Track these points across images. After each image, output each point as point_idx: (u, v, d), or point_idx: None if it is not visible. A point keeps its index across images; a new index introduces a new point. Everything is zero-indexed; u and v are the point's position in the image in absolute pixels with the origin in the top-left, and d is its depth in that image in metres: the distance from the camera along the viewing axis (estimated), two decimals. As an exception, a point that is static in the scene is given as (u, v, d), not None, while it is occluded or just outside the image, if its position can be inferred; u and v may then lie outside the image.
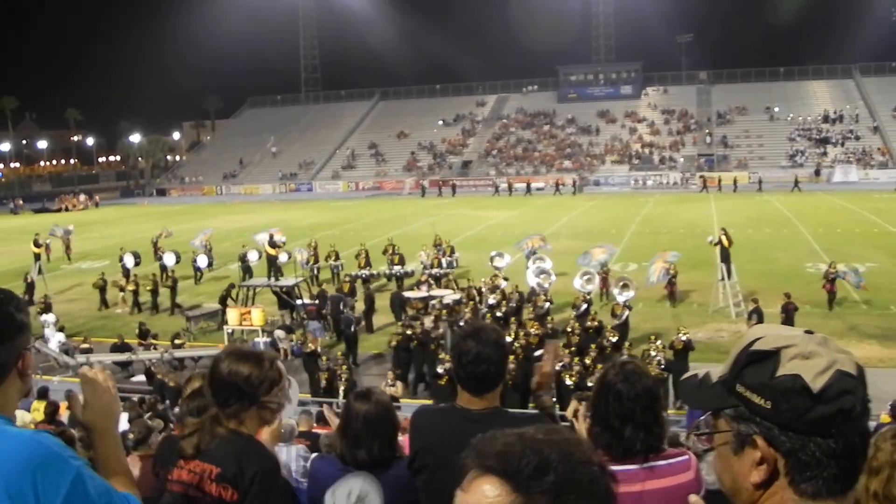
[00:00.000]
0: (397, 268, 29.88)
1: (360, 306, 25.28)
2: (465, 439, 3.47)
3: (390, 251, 30.95)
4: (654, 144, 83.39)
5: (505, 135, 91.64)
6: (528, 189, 73.22)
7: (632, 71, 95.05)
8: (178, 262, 32.85)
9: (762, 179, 67.76)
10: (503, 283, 25.21)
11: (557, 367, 17.40)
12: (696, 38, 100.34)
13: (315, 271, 31.11)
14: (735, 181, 68.63)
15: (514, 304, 23.18)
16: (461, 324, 19.99)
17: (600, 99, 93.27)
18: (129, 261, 31.93)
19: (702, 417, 1.69)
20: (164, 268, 32.81)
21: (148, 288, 28.91)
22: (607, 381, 3.32)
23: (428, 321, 21.19)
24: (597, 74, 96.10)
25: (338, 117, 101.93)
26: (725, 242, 26.74)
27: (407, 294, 25.60)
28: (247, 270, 31.65)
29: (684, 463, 3.25)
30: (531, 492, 1.34)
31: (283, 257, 32.34)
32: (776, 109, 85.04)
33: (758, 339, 1.61)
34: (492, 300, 23.52)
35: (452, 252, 31.60)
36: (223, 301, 25.90)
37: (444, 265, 30.24)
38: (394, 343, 20.40)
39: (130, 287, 29.09)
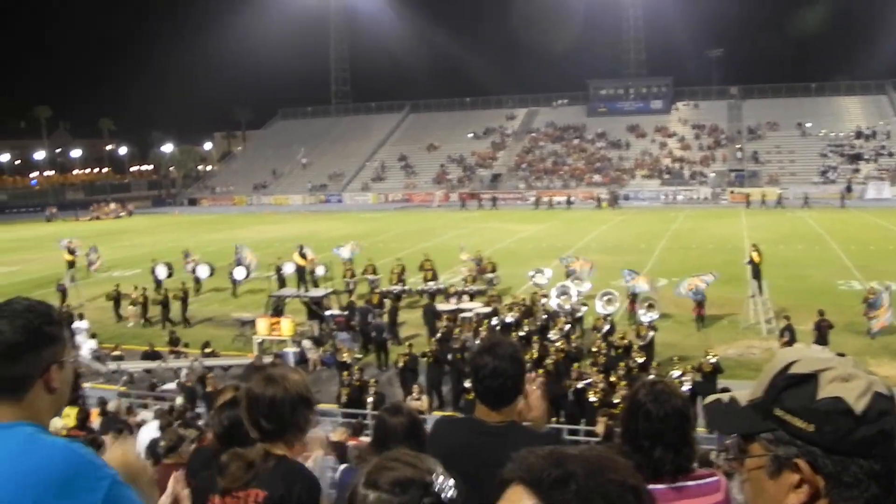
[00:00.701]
0: (430, 284, 29.74)
1: (384, 319, 25.34)
2: (478, 451, 3.54)
3: (426, 266, 30.95)
4: (685, 159, 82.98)
5: (535, 148, 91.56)
6: (569, 202, 73.19)
7: (662, 86, 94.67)
8: (212, 274, 33.11)
9: (783, 196, 67.32)
10: (543, 301, 24.74)
11: (580, 385, 17.35)
12: (727, 53, 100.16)
13: (351, 285, 30.96)
14: (763, 197, 67.98)
15: (540, 323, 22.59)
16: (477, 340, 20.11)
17: (630, 113, 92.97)
18: (161, 272, 32.22)
19: (729, 440, 1.70)
20: (197, 280, 33.08)
21: (157, 300, 28.96)
22: (637, 400, 3.33)
23: (464, 334, 21.14)
24: (627, 89, 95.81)
25: (368, 129, 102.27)
26: (756, 258, 26.53)
27: (439, 307, 25.62)
28: (281, 281, 31.81)
29: (714, 484, 3.24)
30: (554, 500, 1.37)
31: (319, 270, 32.39)
32: (808, 125, 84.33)
33: (794, 362, 1.61)
34: (509, 318, 23.02)
35: (494, 269, 31.27)
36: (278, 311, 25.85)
37: (486, 281, 30.03)
38: (427, 356, 20.30)
39: (139, 299, 28.93)
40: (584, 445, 1.53)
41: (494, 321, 22.70)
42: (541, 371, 17.39)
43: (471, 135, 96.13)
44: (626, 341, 20.33)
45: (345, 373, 19.56)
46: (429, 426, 4.21)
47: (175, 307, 28.79)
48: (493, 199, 76.23)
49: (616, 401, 15.24)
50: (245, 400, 3.33)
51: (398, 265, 31.35)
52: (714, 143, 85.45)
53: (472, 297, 27.40)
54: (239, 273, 32.85)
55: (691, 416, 3.40)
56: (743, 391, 1.72)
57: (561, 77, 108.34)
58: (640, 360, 19.04)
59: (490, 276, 30.52)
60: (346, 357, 20.60)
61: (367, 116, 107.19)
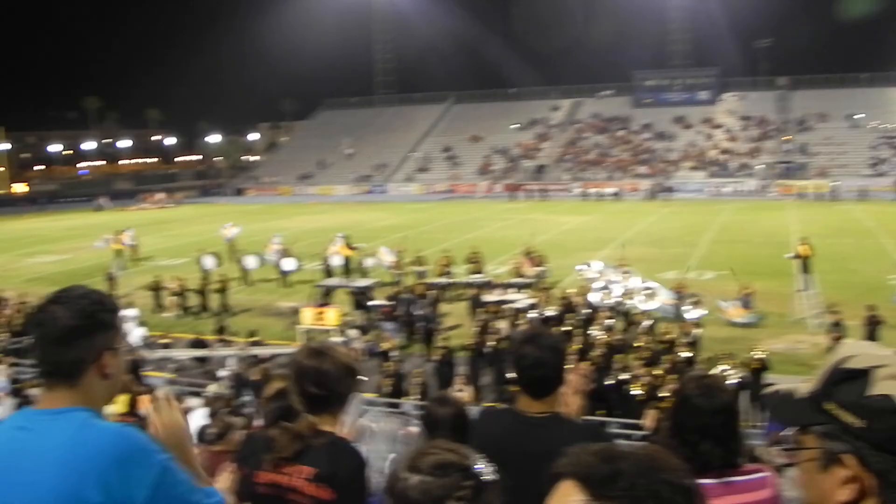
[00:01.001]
0: (476, 276, 29.53)
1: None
2: (519, 441, 3.56)
3: (473, 259, 30.82)
4: (732, 151, 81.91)
5: (579, 140, 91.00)
6: (616, 194, 72.52)
7: (709, 76, 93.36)
8: (262, 265, 33.35)
9: (836, 188, 66.22)
10: (592, 297, 24.38)
11: (623, 378, 17.24)
12: (775, 43, 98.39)
13: (399, 277, 30.64)
14: (814, 188, 67.04)
15: (582, 317, 22.37)
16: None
17: (676, 104, 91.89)
18: (208, 262, 32.52)
19: (784, 432, 1.70)
20: (244, 269, 33.37)
21: (196, 290, 29.22)
22: (685, 394, 3.33)
23: (503, 325, 21.16)
24: (673, 80, 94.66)
25: (412, 120, 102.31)
26: (806, 252, 26.13)
27: (484, 298, 25.64)
28: (329, 272, 31.97)
29: (762, 480, 3.23)
30: (602, 497, 1.40)
31: (369, 261, 32.43)
32: (858, 116, 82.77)
33: (850, 357, 1.62)
34: (549, 312, 22.81)
35: (543, 262, 30.85)
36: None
37: (535, 275, 29.58)
38: (469, 347, 20.33)
39: (178, 289, 29.14)
40: (638, 443, 1.54)
41: (533, 314, 22.63)
42: (587, 363, 17.34)
43: (515, 126, 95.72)
44: (671, 336, 20.13)
45: (385, 363, 19.66)
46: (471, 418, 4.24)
47: (214, 298, 29.04)
48: (543, 190, 75.78)
49: (663, 395, 15.11)
50: (293, 371, 3.38)
51: (444, 257, 31.28)
52: (762, 134, 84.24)
53: (520, 289, 27.03)
54: (288, 264, 32.93)
55: (738, 411, 3.39)
56: (804, 384, 1.73)
57: (606, 68, 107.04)
58: (686, 354, 18.78)
59: (540, 269, 30.21)
60: (386, 346, 20.72)
61: (410, 107, 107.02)
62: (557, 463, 1.51)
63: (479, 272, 30.09)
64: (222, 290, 29.10)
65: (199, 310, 29.01)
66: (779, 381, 17.49)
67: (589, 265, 27.64)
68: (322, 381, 3.28)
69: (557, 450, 1.63)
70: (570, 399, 3.80)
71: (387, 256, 31.94)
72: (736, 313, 24.58)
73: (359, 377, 3.44)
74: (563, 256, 33.36)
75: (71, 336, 2.46)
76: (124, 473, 2.33)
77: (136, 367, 19.26)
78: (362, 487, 3.16)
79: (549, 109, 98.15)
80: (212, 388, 16.59)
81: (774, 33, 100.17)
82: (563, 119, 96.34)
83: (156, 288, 29.54)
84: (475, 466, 1.85)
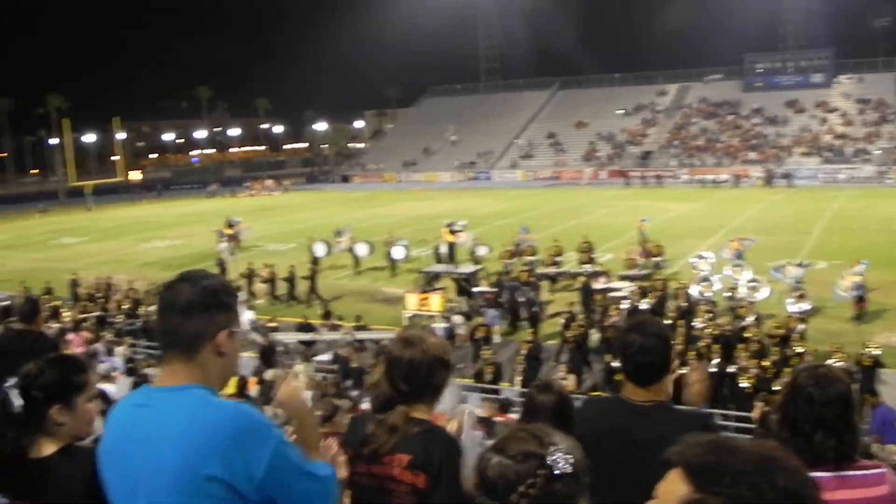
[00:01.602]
0: (587, 266, 28.63)
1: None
2: (624, 429, 3.54)
3: (583, 248, 30.12)
4: (847, 136, 79.01)
5: (687, 125, 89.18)
6: (725, 180, 71.00)
7: (823, 58, 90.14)
8: (371, 252, 33.78)
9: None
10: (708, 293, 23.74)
11: (732, 370, 16.87)
12: (894, 22, 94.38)
13: (509, 267, 29.54)
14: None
15: (682, 309, 21.62)
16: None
17: (788, 88, 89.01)
18: (319, 249, 33.07)
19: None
20: (356, 257, 33.82)
21: (282, 277, 29.48)
22: (798, 384, 3.24)
23: (612, 314, 20.92)
24: (785, 62, 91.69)
25: (516, 106, 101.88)
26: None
27: (593, 286, 25.33)
28: (438, 259, 32.01)
29: (879, 476, 3.11)
30: (706, 491, 1.40)
31: (482, 250, 32.22)
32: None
33: None
34: (644, 304, 22.14)
35: (660, 253, 30.02)
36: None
37: (651, 265, 28.83)
38: (575, 336, 20.11)
39: (269, 276, 29.49)
40: (754, 439, 1.51)
41: (625, 305, 22.22)
42: (692, 353, 17.05)
43: (621, 111, 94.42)
44: (781, 331, 19.44)
45: (486, 350, 19.65)
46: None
47: (304, 285, 29.36)
48: (657, 176, 74.50)
49: (775, 388, 14.70)
50: (385, 362, 3.45)
51: (555, 246, 30.76)
52: (880, 118, 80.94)
53: (633, 280, 26.17)
54: (397, 252, 32.98)
55: (854, 402, 3.28)
56: None
57: (714, 51, 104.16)
58: (799, 350, 18.01)
59: (656, 259, 29.41)
60: (488, 333, 20.77)
61: (515, 93, 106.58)
62: (668, 451, 1.49)
63: (589, 262, 29.36)
64: (311, 278, 29.39)
65: (287, 297, 29.34)
66: (894, 379, 16.89)
67: (702, 256, 26.77)
68: (412, 372, 3.34)
69: (663, 438, 1.62)
70: (693, 390, 3.76)
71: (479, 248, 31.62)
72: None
73: (451, 367, 3.48)
74: (670, 244, 32.72)
75: (193, 309, 2.60)
76: (243, 448, 2.42)
77: (269, 352, 19.87)
78: (457, 473, 3.17)
79: (655, 94, 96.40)
80: (298, 368, 16.89)
81: (894, 11, 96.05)
82: (670, 104, 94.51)
83: (248, 276, 29.99)
84: (552, 457, 1.90)
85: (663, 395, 3.69)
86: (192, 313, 2.59)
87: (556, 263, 29.70)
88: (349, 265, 34.14)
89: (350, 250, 34.28)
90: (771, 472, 1.39)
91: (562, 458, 1.91)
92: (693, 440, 1.49)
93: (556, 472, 1.88)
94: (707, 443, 1.47)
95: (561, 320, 20.92)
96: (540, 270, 28.53)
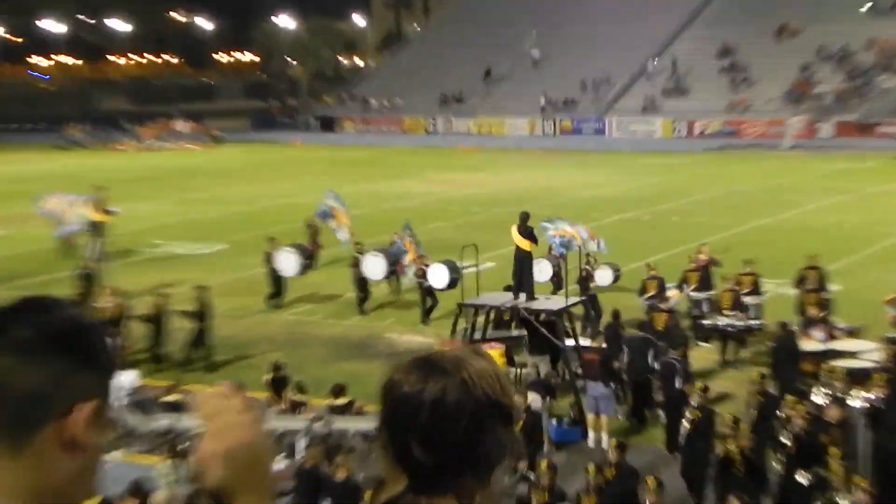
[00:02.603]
0: (813, 313, 16.09)
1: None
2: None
3: (806, 278, 17.51)
4: None
5: None
6: None
7: None
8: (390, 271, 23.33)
9: None
10: None
11: None
12: None
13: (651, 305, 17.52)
14: None
15: None
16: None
17: None
18: (285, 262, 20.18)
19: None
20: (362, 280, 23.84)
21: (186, 309, 18.25)
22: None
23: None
24: None
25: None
26: None
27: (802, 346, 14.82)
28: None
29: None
30: None
31: (604, 275, 19.53)
32: None
33: None
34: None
35: None
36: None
37: None
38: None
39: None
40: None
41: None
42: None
43: (866, 6, 59.14)
44: None
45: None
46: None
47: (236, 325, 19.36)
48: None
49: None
50: (385, 405, 1.67)
51: (746, 275, 17.84)
52: None
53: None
54: (372, 267, 20.26)
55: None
56: None
57: None
58: None
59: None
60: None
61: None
62: None
63: (820, 305, 16.61)
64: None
65: (194, 344, 18.52)
66: None
67: None
68: (442, 425, 1.87)
69: None
70: None
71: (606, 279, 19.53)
72: None
73: (511, 421, 1.76)
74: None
75: (30, 353, 1.51)
76: None
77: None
78: None
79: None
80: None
81: None
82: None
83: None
84: None
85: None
86: (28, 359, 1.50)
87: (739, 306, 16.76)
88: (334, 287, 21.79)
89: (356, 267, 20.59)
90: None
91: None
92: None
93: None
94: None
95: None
96: (708, 321, 16.92)
